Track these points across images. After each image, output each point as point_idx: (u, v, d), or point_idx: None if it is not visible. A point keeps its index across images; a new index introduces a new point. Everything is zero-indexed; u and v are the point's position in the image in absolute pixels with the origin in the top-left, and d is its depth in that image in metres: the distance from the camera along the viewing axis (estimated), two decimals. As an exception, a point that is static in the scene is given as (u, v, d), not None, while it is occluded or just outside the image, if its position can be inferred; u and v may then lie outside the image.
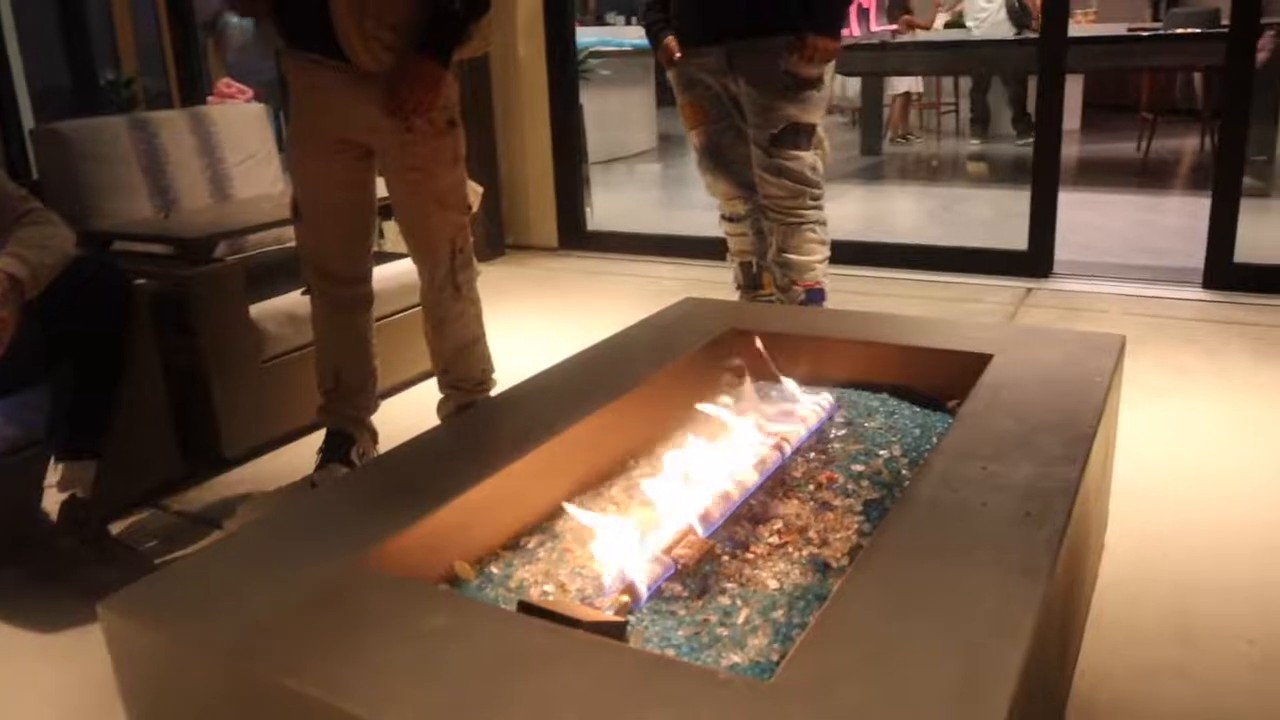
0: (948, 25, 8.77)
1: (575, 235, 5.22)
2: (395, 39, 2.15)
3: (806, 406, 1.83)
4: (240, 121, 3.41)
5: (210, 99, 5.24)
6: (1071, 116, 8.56)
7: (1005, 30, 7.65)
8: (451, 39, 2.21)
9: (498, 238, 5.14)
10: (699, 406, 1.77)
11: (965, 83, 9.14)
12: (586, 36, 7.50)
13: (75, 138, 2.94)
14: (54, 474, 2.17)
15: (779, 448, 1.69)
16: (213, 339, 2.61)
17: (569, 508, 1.45)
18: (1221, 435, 2.62)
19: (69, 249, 2.12)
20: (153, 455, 2.49)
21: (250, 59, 6.50)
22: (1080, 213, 5.30)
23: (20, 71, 7.31)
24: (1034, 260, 4.18)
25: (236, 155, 3.32)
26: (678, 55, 2.98)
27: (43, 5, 7.64)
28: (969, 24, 7.94)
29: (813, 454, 1.77)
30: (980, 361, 1.86)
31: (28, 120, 6.28)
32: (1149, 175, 7.28)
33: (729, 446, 1.68)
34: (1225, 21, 3.93)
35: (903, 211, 6.55)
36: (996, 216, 5.73)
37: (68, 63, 7.65)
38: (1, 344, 1.88)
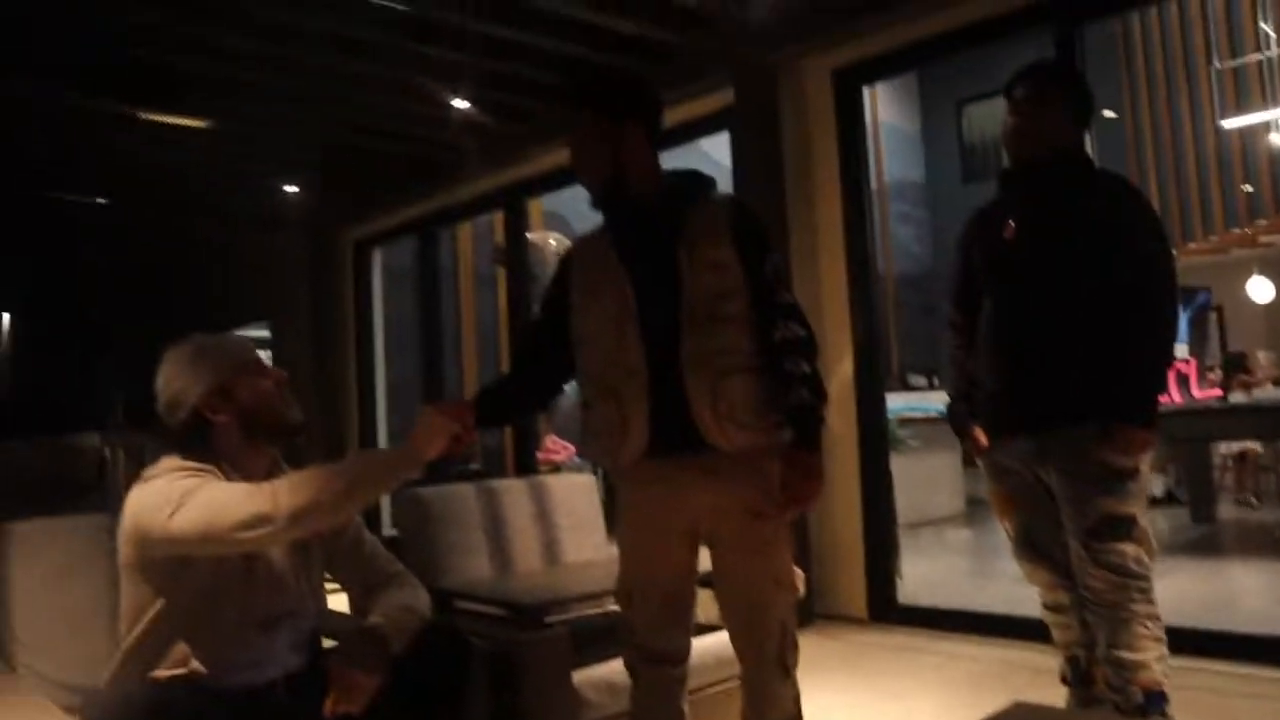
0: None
1: (886, 608, 5.12)
2: (743, 415, 2.35)
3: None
4: (572, 491, 3.72)
5: (539, 454, 5.88)
6: None
7: None
8: (820, 428, 2.39)
9: (807, 607, 5.12)
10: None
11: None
12: (892, 402, 7.68)
13: (432, 502, 3.32)
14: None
15: None
16: (536, 703, 2.71)
17: None
18: None
19: (427, 612, 2.35)
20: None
21: (572, 424, 7.22)
22: None
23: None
24: None
25: (567, 521, 3.60)
26: (985, 445, 3.01)
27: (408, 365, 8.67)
28: None
29: None
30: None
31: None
32: None
33: None
34: None
35: (1249, 591, 5.94)
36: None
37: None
38: (365, 701, 2.09)
